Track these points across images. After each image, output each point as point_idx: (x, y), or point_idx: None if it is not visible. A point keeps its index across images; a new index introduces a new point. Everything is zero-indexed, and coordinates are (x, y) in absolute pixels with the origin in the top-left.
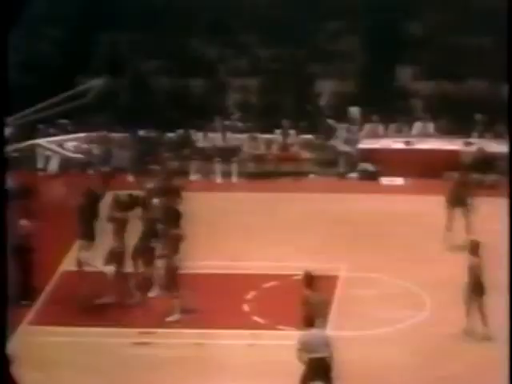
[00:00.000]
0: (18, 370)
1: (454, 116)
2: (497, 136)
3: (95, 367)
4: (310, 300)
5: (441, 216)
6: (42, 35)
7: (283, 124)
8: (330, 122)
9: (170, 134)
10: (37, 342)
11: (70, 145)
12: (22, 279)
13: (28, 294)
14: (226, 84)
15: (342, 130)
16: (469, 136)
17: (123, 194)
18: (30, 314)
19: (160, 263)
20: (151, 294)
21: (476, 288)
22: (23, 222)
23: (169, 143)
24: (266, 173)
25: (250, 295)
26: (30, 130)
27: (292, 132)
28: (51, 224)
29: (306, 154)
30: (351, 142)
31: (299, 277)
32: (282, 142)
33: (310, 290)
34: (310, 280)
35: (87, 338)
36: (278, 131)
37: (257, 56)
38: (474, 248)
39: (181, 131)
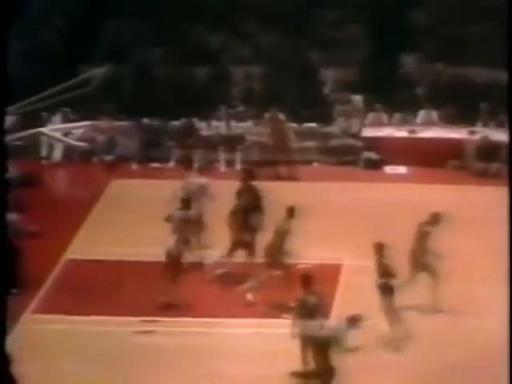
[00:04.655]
0: (20, 359)
1: (458, 104)
2: (501, 125)
3: (98, 356)
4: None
5: (445, 204)
6: (45, 24)
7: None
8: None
9: (174, 123)
10: (40, 330)
11: (74, 133)
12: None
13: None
14: (230, 72)
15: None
16: (473, 125)
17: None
18: (34, 303)
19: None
20: None
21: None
22: None
23: (172, 131)
24: (269, 161)
25: None
26: (34, 119)
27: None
28: (56, 212)
29: (309, 143)
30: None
31: (304, 265)
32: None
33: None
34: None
35: (90, 326)
36: None
37: (260, 44)
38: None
39: (184, 120)
